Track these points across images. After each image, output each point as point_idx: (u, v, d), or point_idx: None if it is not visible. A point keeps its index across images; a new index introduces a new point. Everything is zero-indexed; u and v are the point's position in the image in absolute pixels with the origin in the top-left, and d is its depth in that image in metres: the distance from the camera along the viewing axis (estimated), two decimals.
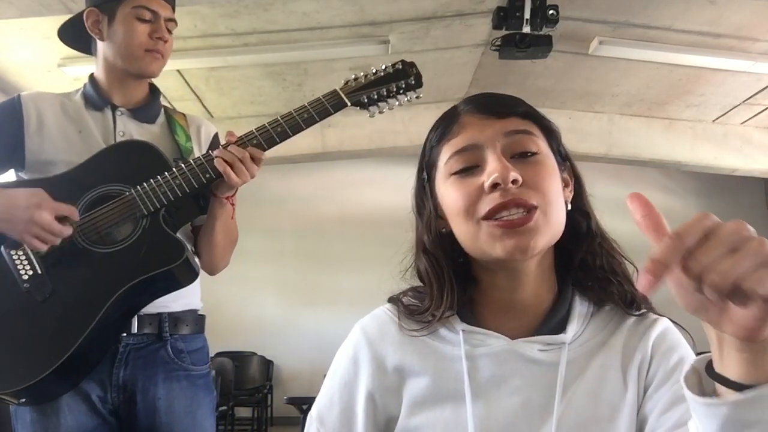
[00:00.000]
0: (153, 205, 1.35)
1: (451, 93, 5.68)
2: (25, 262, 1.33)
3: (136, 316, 1.44)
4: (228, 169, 1.35)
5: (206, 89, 5.11)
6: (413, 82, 1.45)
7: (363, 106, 1.45)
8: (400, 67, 1.45)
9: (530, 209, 0.73)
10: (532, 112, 0.81)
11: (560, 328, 0.78)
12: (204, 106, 5.39)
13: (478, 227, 0.75)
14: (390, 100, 1.45)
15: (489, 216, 0.73)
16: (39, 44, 4.12)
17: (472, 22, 4.39)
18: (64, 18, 1.58)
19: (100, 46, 1.53)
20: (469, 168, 0.76)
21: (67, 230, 1.30)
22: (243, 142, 1.39)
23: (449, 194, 0.78)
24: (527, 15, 3.96)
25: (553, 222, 0.75)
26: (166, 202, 1.36)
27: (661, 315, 0.80)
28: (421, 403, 0.76)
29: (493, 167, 0.74)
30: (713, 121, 5.89)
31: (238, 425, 6.23)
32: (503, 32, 4.15)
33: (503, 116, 0.78)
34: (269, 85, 5.10)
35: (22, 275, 1.32)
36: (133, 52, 1.49)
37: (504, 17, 4.03)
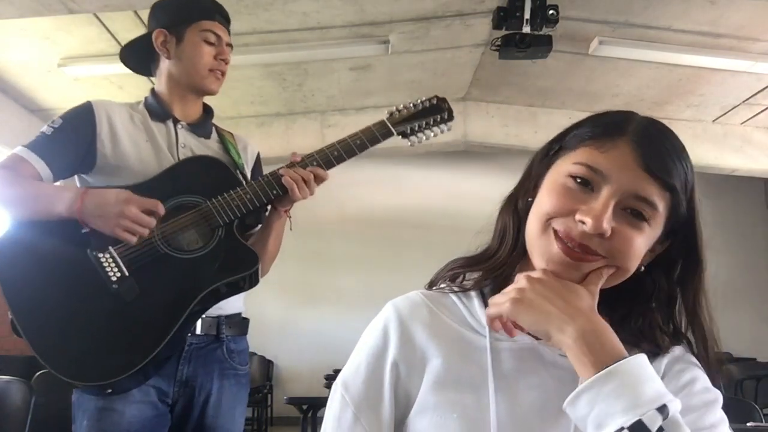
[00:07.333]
0: (228, 217, 1.49)
1: (451, 93, 5.67)
2: (113, 265, 1.42)
3: (200, 319, 1.55)
4: (294, 186, 1.51)
5: None
6: (446, 116, 1.65)
7: (405, 135, 1.64)
8: (435, 102, 1.65)
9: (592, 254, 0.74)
10: (677, 188, 0.75)
11: None
12: None
13: (546, 230, 0.76)
14: (427, 132, 1.65)
15: (555, 233, 0.75)
16: (39, 44, 4.11)
17: (472, 22, 4.39)
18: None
19: (165, 63, 1.65)
20: (585, 182, 0.75)
21: (154, 221, 1.42)
22: (305, 162, 1.55)
23: (552, 191, 0.78)
24: (527, 15, 3.97)
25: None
26: (239, 215, 1.50)
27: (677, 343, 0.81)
28: (442, 383, 0.77)
29: (596, 210, 0.72)
30: (713, 121, 5.89)
31: None
32: (503, 32, 4.15)
33: (650, 175, 0.73)
34: (269, 85, 5.11)
35: (111, 277, 1.41)
36: (200, 71, 1.63)
37: (504, 17, 4.03)
